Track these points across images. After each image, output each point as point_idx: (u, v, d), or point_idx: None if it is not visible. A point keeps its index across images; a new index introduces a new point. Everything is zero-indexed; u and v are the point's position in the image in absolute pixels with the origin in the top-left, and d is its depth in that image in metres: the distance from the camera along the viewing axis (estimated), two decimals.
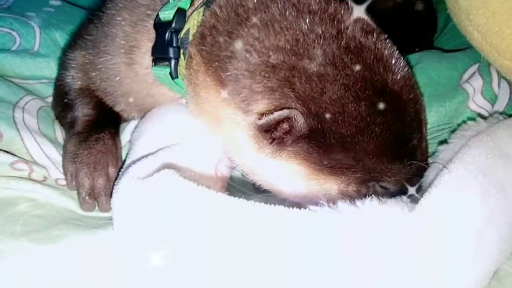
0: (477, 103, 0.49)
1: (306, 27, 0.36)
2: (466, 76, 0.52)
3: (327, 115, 0.34)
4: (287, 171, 0.37)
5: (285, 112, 0.34)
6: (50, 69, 0.56)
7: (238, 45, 0.36)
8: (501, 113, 0.48)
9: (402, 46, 0.66)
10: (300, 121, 0.34)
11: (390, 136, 0.36)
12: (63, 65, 0.51)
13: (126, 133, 0.49)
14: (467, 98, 0.49)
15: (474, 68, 0.52)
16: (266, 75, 0.35)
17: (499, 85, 0.50)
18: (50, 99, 0.53)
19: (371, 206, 0.31)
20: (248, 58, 0.36)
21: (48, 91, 0.54)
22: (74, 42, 0.51)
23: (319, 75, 0.35)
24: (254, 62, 0.36)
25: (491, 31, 0.44)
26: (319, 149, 0.36)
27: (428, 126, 0.47)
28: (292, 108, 0.34)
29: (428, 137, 0.44)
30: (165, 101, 0.46)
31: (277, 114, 0.34)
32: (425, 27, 0.67)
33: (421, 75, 0.52)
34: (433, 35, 0.67)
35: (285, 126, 0.35)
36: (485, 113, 0.49)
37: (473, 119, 0.48)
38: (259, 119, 0.35)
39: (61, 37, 0.60)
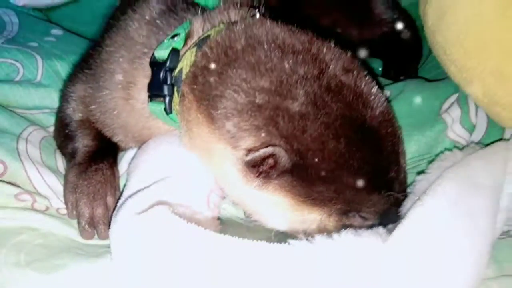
0: (456, 132, 0.53)
1: (289, 69, 0.39)
2: (446, 105, 0.55)
3: (309, 152, 0.38)
4: (273, 203, 0.40)
5: (269, 150, 0.37)
6: (52, 99, 0.60)
7: (227, 85, 0.40)
8: (477, 143, 0.51)
9: (389, 73, 0.70)
10: (284, 158, 0.38)
11: (368, 169, 0.39)
12: (64, 97, 0.54)
13: (123, 162, 0.52)
14: (446, 128, 0.53)
15: (453, 97, 0.55)
16: (253, 114, 0.38)
17: (476, 115, 0.53)
18: (52, 129, 0.57)
19: (347, 238, 0.34)
20: (236, 98, 0.39)
21: (50, 121, 0.57)
22: (75, 75, 0.55)
23: (301, 115, 0.38)
24: (241, 101, 0.39)
25: (465, 67, 0.47)
26: (302, 183, 0.39)
27: (409, 155, 0.50)
28: (276, 145, 0.38)
29: (408, 167, 0.47)
30: (160, 133, 0.49)
31: (262, 152, 0.37)
32: (411, 55, 0.70)
33: (403, 105, 0.56)
34: (418, 63, 0.71)
35: (270, 161, 0.38)
36: (464, 142, 0.53)
37: (451, 149, 0.51)
38: (246, 155, 0.38)
39: (62, 68, 0.63)
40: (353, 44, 0.59)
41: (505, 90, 0.45)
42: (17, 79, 0.61)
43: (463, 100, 0.54)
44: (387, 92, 0.59)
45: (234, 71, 0.40)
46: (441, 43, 0.50)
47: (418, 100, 0.55)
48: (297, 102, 0.38)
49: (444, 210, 0.36)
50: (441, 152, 0.51)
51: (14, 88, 0.59)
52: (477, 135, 0.53)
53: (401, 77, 0.67)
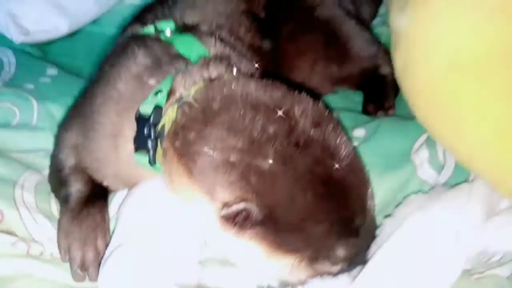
0: (425, 172, 0.56)
1: (260, 128, 0.43)
2: (416, 145, 0.59)
3: (278, 205, 0.41)
4: (249, 250, 0.44)
5: (241, 205, 0.41)
6: (46, 141, 0.63)
7: (204, 143, 0.43)
8: (444, 184, 0.55)
9: (368, 108, 0.74)
10: (255, 211, 0.41)
11: (334, 219, 0.43)
12: (58, 144, 0.58)
13: (113, 204, 0.56)
14: (416, 168, 0.57)
15: (423, 138, 0.59)
16: (227, 171, 0.42)
17: (444, 155, 0.57)
18: (46, 171, 0.60)
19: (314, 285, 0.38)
20: (212, 155, 0.43)
21: (45, 163, 0.61)
22: (68, 122, 0.59)
23: (270, 172, 0.41)
24: (217, 159, 0.43)
25: (425, 121, 0.51)
26: (274, 233, 0.42)
27: (380, 195, 0.54)
28: (248, 200, 0.41)
29: (378, 209, 0.50)
30: (146, 178, 0.53)
31: (235, 207, 0.41)
32: (389, 90, 0.74)
33: (376, 145, 0.59)
34: (395, 97, 0.74)
35: (244, 214, 0.42)
36: (432, 182, 0.56)
37: (421, 188, 0.55)
38: (222, 208, 0.42)
39: (56, 110, 0.67)
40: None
41: (462, 147, 0.49)
42: (14, 123, 0.65)
43: (431, 140, 0.57)
44: (362, 131, 0.63)
45: (211, 130, 0.43)
46: (405, 91, 0.54)
47: (390, 141, 0.59)
48: (267, 160, 0.42)
49: (403, 257, 0.40)
50: (411, 192, 0.54)
51: (11, 133, 0.63)
52: (446, 174, 0.56)
53: (379, 113, 0.71)
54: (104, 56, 0.64)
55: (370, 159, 0.55)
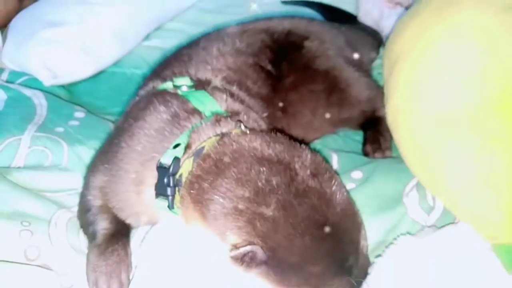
0: (416, 213, 0.63)
1: (264, 180, 0.50)
2: (408, 188, 0.65)
3: (280, 248, 0.48)
4: (256, 285, 0.51)
5: (248, 248, 0.48)
6: (75, 182, 0.71)
7: (216, 192, 0.51)
8: (432, 225, 0.61)
9: (367, 150, 0.80)
10: (260, 253, 0.48)
11: (330, 260, 0.49)
12: (86, 186, 0.66)
13: (135, 240, 0.63)
14: (407, 210, 0.63)
15: (415, 181, 0.65)
16: (236, 217, 0.49)
17: (433, 198, 0.63)
18: (75, 209, 0.68)
19: None
20: (222, 203, 0.50)
21: (74, 201, 0.69)
22: (96, 166, 0.67)
23: (273, 218, 0.48)
24: (227, 206, 0.50)
25: (412, 165, 0.58)
26: (276, 271, 0.49)
27: (374, 235, 0.61)
28: (254, 243, 0.48)
29: (371, 248, 0.57)
30: (165, 218, 0.60)
31: (242, 250, 0.48)
32: (386, 132, 0.80)
33: (371, 188, 0.66)
34: (392, 139, 0.80)
35: (250, 254, 0.49)
36: (423, 222, 0.62)
37: (411, 229, 0.61)
38: (231, 250, 0.49)
39: (85, 152, 0.75)
40: None
41: (443, 194, 0.55)
42: (46, 164, 0.74)
43: (420, 184, 0.64)
44: (360, 174, 0.69)
45: (222, 181, 0.51)
46: (395, 140, 0.61)
47: (384, 183, 0.66)
48: (270, 208, 0.49)
49: None
50: (402, 233, 0.61)
51: (44, 174, 0.71)
52: (435, 216, 0.62)
53: (376, 154, 0.77)
54: (128, 106, 0.73)
55: (365, 200, 0.62)
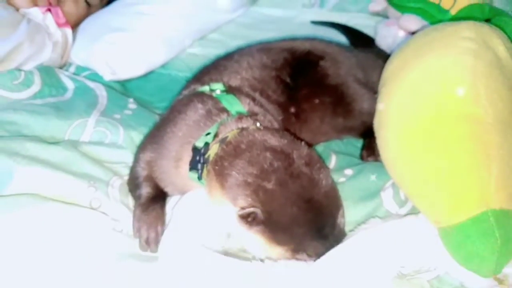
0: (390, 206, 0.81)
1: (269, 163, 0.70)
2: (386, 185, 0.83)
3: (274, 213, 0.68)
4: (255, 240, 0.71)
5: (251, 209, 0.68)
6: (128, 157, 0.94)
7: (233, 169, 0.71)
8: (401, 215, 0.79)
9: (362, 154, 0.99)
10: (259, 215, 0.68)
11: (311, 226, 0.69)
12: (136, 160, 0.89)
13: (169, 204, 0.85)
14: (383, 202, 0.81)
15: (392, 181, 0.84)
16: (245, 188, 0.69)
17: (405, 196, 0.81)
18: (126, 178, 0.91)
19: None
20: (237, 176, 0.70)
21: (125, 171, 0.90)
22: (145, 145, 0.90)
23: (272, 191, 0.68)
24: (240, 179, 0.70)
25: (386, 165, 0.77)
26: (271, 230, 0.69)
27: (355, 218, 0.79)
28: (256, 207, 0.69)
29: (352, 227, 0.76)
30: (195, 188, 0.82)
31: (247, 210, 0.68)
32: None
33: (357, 183, 0.85)
34: None
35: (253, 215, 0.69)
36: (394, 213, 0.81)
37: (383, 216, 0.80)
38: (239, 211, 0.70)
39: (136, 135, 0.98)
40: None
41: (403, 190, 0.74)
42: (106, 142, 0.97)
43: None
44: (350, 171, 0.89)
45: (238, 161, 0.71)
46: (377, 144, 0.80)
47: (367, 180, 0.85)
48: (270, 183, 0.69)
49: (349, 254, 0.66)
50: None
51: (104, 148, 0.94)
52: (406, 209, 0.81)
53: (370, 158, 0.96)
54: (174, 101, 0.96)
55: (351, 191, 0.82)
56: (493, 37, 0.75)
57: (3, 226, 0.72)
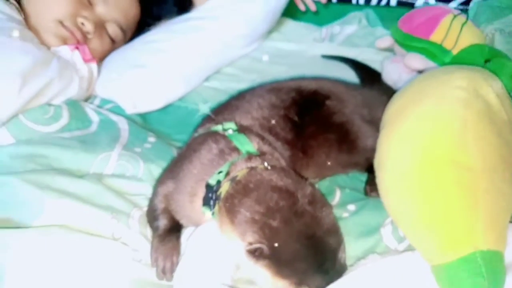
0: (389, 241, 0.87)
1: (275, 202, 0.77)
2: (386, 222, 0.89)
3: (279, 248, 0.75)
4: (262, 273, 0.78)
5: (258, 245, 0.75)
6: (147, 189, 1.02)
7: (242, 207, 0.79)
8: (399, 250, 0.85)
9: (365, 189, 1.05)
10: (265, 250, 0.75)
11: (312, 261, 0.75)
12: (154, 193, 0.97)
13: (184, 235, 0.93)
14: (383, 238, 0.87)
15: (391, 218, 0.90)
16: (252, 225, 0.76)
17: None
18: (145, 209, 0.99)
19: None
20: (245, 214, 0.78)
21: (145, 203, 0.99)
22: (163, 180, 0.98)
23: (277, 228, 0.75)
24: (248, 216, 0.77)
25: (384, 204, 0.83)
26: (275, 265, 0.75)
27: (355, 253, 0.86)
28: (262, 243, 0.75)
29: (352, 262, 0.82)
30: (207, 221, 0.90)
31: (254, 246, 0.75)
32: None
33: (358, 219, 0.90)
34: None
35: (259, 250, 0.76)
36: (393, 248, 0.86)
37: (383, 252, 0.85)
38: (247, 246, 0.77)
39: (155, 169, 1.06)
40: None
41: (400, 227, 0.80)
42: (127, 175, 1.05)
43: None
44: (353, 207, 0.95)
45: (246, 199, 0.79)
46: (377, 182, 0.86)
47: (369, 216, 0.91)
48: (276, 221, 0.76)
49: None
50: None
51: (125, 181, 1.03)
52: (404, 244, 0.86)
53: (372, 194, 1.02)
54: (190, 138, 1.05)
55: (352, 226, 0.88)
56: (484, 85, 0.81)
57: (34, 254, 0.81)
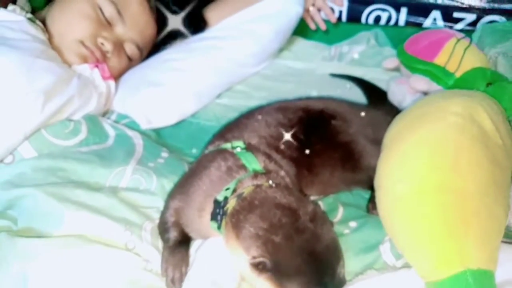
0: (387, 258, 0.91)
1: (277, 219, 0.83)
2: (385, 239, 0.94)
3: (281, 263, 0.80)
4: (264, 285, 0.83)
5: (261, 259, 0.80)
6: (159, 203, 1.07)
7: (246, 222, 0.84)
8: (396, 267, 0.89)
9: (368, 206, 1.10)
10: (268, 264, 0.80)
11: (312, 275, 0.80)
12: (166, 207, 1.04)
13: (193, 247, 0.99)
14: (382, 254, 0.92)
15: None
16: (256, 240, 0.82)
17: None
18: (157, 221, 1.05)
19: None
20: (249, 229, 0.84)
21: (156, 216, 1.05)
22: (173, 194, 1.05)
23: (279, 243, 0.81)
24: (252, 232, 0.83)
25: (382, 221, 0.88)
26: (277, 277, 0.81)
27: (355, 269, 0.90)
28: (265, 257, 0.81)
29: (351, 277, 0.87)
30: (215, 235, 0.96)
31: (258, 259, 0.81)
32: None
33: (359, 235, 0.96)
34: None
35: (262, 264, 0.81)
36: (392, 265, 0.91)
37: (381, 267, 0.90)
38: (250, 259, 0.82)
39: (167, 183, 1.13)
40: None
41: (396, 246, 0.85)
42: (141, 188, 1.12)
43: None
44: (355, 224, 1.00)
45: (251, 215, 0.85)
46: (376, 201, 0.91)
47: (369, 233, 0.96)
48: (278, 237, 0.81)
49: None
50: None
51: (139, 195, 1.10)
52: (402, 261, 0.91)
53: (374, 212, 1.07)
54: (201, 154, 1.11)
55: (352, 243, 0.93)
56: (480, 111, 0.86)
57: (55, 264, 0.88)
